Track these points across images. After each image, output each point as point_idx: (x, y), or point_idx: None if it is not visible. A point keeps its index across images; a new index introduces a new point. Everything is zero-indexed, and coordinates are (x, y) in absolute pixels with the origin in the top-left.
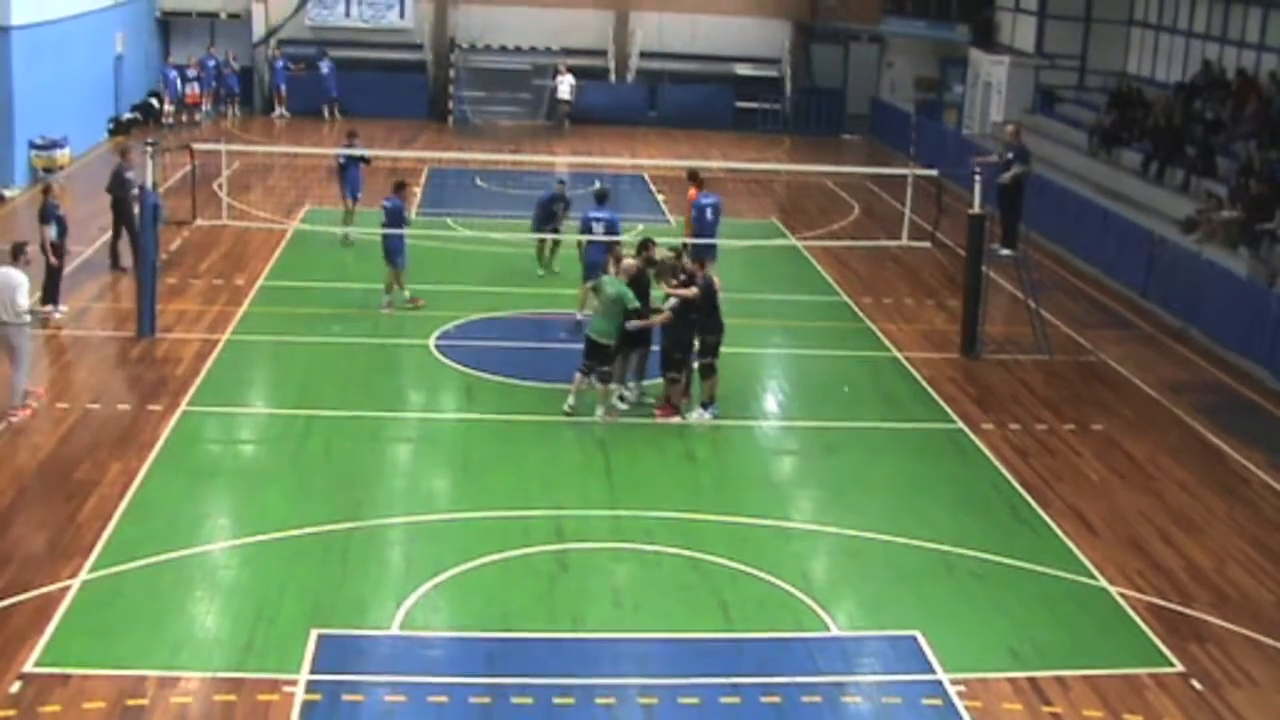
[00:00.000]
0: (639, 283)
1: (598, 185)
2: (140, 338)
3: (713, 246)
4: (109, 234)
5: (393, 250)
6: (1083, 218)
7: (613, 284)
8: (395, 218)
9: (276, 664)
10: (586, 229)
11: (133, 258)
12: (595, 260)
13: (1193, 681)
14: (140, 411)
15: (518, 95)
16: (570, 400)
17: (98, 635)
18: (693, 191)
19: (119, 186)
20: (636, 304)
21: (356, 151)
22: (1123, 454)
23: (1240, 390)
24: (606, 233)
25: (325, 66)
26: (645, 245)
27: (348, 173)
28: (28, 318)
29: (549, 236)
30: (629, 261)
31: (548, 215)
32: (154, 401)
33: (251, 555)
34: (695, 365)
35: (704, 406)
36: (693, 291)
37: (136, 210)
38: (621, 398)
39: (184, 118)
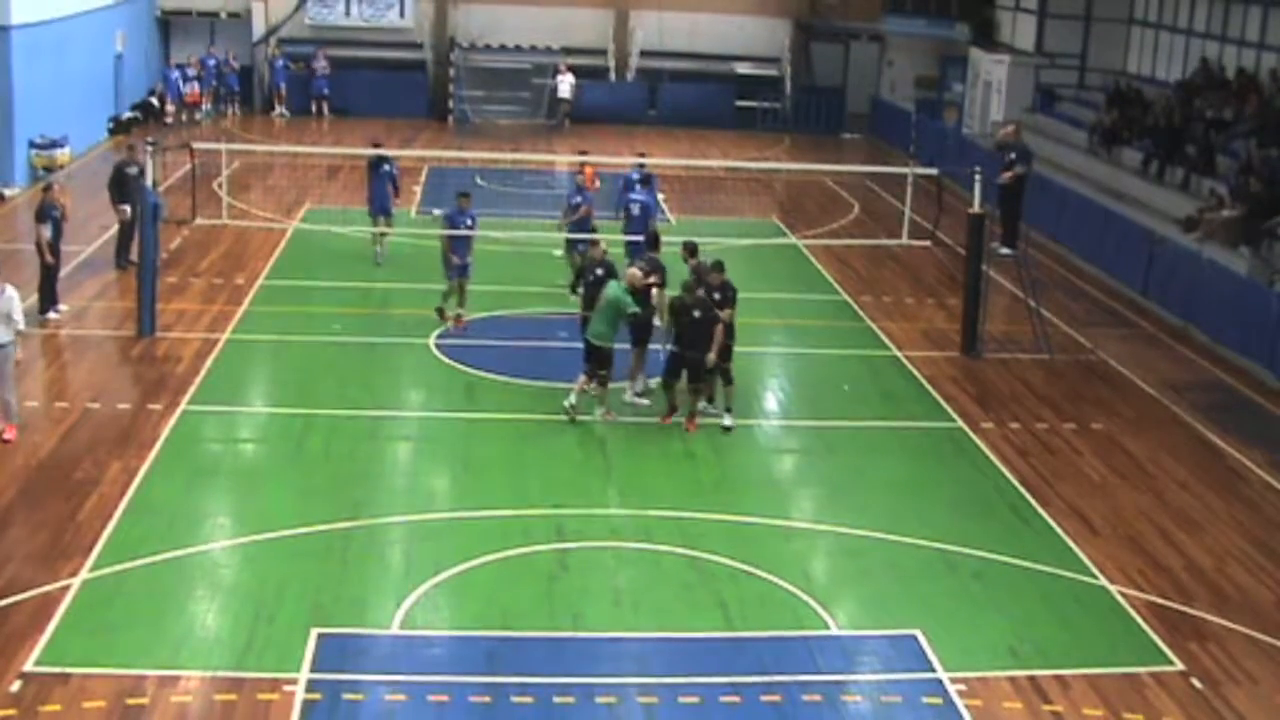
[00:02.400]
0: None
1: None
2: (140, 337)
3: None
4: (111, 231)
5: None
6: (1083, 216)
7: (614, 287)
8: (449, 226)
9: (277, 663)
10: (626, 211)
11: (136, 250)
12: (634, 240)
13: (1193, 680)
14: (140, 410)
15: (518, 94)
16: (571, 399)
17: (98, 634)
18: (589, 171)
19: (118, 184)
20: (635, 309)
21: (383, 151)
22: (1123, 453)
23: (1240, 389)
24: (642, 214)
25: (322, 63)
26: (652, 241)
27: (375, 188)
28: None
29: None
30: (634, 270)
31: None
32: (154, 400)
33: (252, 554)
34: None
35: (728, 411)
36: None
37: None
38: (640, 393)
39: (184, 117)
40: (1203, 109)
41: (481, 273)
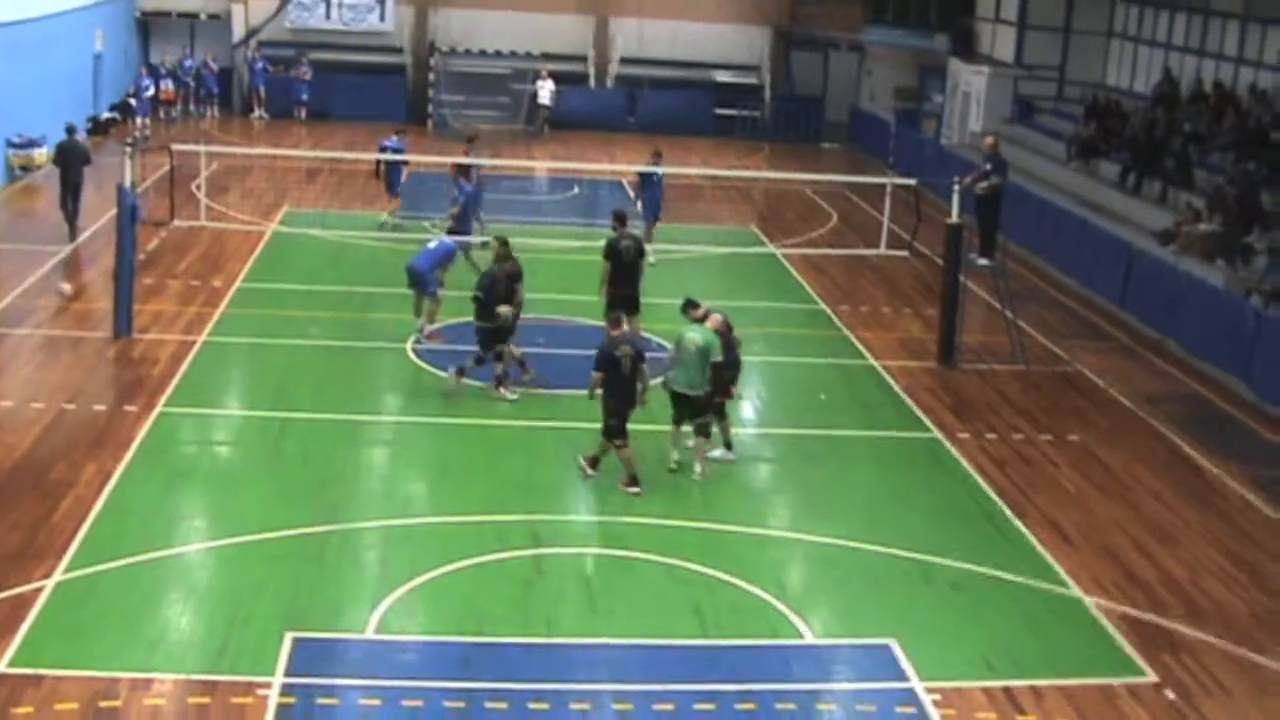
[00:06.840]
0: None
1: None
2: (116, 338)
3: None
4: (87, 234)
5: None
6: (1061, 228)
7: (702, 333)
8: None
9: (251, 666)
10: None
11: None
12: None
13: (1166, 691)
14: (116, 412)
15: (497, 99)
16: (675, 455)
17: (71, 636)
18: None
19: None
20: (719, 357)
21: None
22: (1099, 464)
23: (1216, 402)
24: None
25: (304, 69)
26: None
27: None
28: None
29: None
30: (716, 316)
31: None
32: (130, 402)
33: (227, 557)
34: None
35: (728, 447)
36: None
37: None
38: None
39: (159, 114)
40: (1181, 122)
41: (460, 277)
